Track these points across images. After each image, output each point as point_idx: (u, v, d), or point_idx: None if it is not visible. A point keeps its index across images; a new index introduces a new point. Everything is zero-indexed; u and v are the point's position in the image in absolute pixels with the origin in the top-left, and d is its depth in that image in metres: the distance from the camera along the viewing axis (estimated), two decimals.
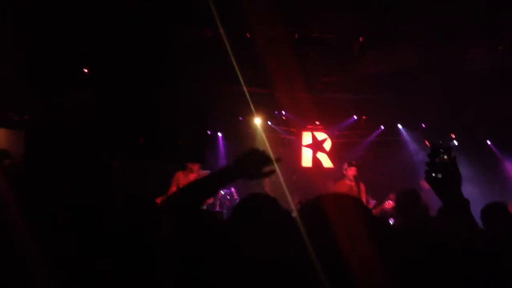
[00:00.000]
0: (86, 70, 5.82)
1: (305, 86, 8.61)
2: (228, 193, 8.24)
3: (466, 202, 1.98)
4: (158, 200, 7.15)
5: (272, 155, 2.04)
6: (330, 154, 11.45)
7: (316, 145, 11.53)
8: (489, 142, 10.69)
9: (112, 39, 5.68)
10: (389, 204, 8.21)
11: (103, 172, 3.43)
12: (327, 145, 11.53)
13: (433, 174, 2.08)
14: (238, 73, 6.74)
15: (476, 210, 3.69)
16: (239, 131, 10.95)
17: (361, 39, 7.10)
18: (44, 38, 5.54)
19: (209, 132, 10.52)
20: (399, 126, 11.23)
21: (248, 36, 6.85)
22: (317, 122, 11.49)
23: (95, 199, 3.13)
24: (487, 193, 7.88)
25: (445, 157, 2.12)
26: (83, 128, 3.42)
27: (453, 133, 11.08)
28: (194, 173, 7.37)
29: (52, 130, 3.33)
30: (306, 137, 11.57)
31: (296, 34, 6.89)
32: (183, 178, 7.35)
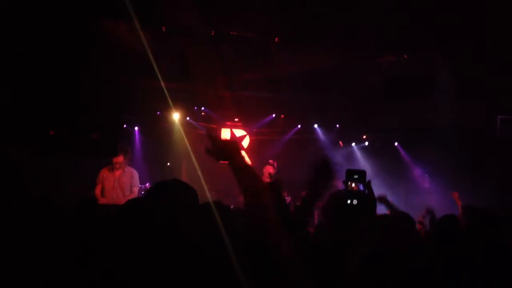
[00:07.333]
0: None
1: (225, 83, 8.62)
2: (143, 188, 8.04)
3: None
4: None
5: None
6: (248, 151, 11.57)
7: None
8: (396, 144, 11.31)
9: (23, 30, 5.36)
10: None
11: (7, 166, 3.24)
12: (246, 142, 11.64)
13: (348, 201, 2.07)
14: (155, 67, 6.61)
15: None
16: (156, 126, 10.75)
17: (277, 39, 7.23)
18: None
19: (125, 126, 10.24)
20: (315, 125, 11.57)
21: (164, 30, 6.71)
22: (236, 119, 11.56)
23: None
24: (393, 188, 8.35)
25: (360, 182, 2.12)
26: None
27: (365, 135, 11.62)
28: (120, 170, 7.08)
29: None
30: (225, 134, 11.59)
31: (213, 31, 6.86)
32: (108, 175, 7.06)
